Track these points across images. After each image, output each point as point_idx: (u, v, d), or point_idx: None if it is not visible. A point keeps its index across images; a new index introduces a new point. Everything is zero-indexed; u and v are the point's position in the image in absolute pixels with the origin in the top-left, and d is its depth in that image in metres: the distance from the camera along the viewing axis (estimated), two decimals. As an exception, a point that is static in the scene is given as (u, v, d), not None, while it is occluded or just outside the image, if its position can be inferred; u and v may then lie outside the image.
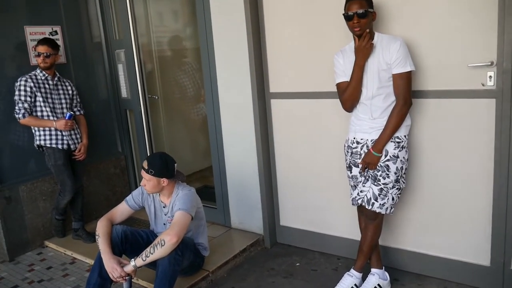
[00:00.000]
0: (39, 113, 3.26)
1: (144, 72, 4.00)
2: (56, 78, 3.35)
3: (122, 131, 4.20)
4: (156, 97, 4.16)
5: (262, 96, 3.15)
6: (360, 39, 2.29)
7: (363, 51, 2.29)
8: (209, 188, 3.98)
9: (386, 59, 2.28)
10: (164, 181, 2.58)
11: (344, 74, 2.45)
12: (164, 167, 2.56)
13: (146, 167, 2.55)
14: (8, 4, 3.36)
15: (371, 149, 2.37)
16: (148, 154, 4.06)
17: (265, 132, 3.20)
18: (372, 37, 2.33)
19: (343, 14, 2.31)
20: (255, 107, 3.13)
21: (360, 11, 2.24)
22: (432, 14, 2.41)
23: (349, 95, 2.42)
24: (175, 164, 2.64)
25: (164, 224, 2.72)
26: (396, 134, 2.35)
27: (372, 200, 2.42)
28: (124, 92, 4.08)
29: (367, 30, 2.28)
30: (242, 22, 3.03)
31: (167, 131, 4.48)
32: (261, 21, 3.06)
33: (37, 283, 3.03)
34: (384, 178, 2.38)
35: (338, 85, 2.51)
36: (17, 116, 3.20)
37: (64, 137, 3.32)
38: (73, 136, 3.39)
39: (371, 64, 2.33)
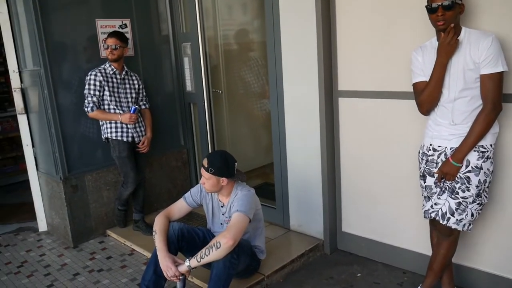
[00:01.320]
0: (106, 106, 3.32)
1: (209, 66, 3.96)
2: (124, 72, 3.38)
3: (185, 124, 4.20)
4: (220, 92, 4.11)
5: (330, 94, 2.97)
6: (444, 34, 2.04)
7: (447, 48, 2.04)
8: (270, 185, 3.88)
9: (474, 57, 2.02)
10: (224, 181, 2.49)
11: (423, 73, 2.22)
12: (224, 166, 2.48)
13: (206, 166, 2.48)
14: (81, -3, 3.45)
15: (450, 158, 2.13)
16: (210, 148, 4.04)
17: (331, 132, 3.02)
18: (458, 33, 2.07)
19: (426, 6, 2.08)
20: (322, 105, 2.96)
21: (446, 3, 1.99)
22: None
23: (427, 96, 2.18)
24: (236, 163, 2.55)
25: (221, 224, 2.64)
26: (481, 143, 2.08)
27: (448, 215, 2.18)
28: (188, 86, 4.07)
29: (452, 25, 2.02)
30: (312, 15, 2.86)
31: (230, 126, 4.42)
32: (332, 13, 2.87)
33: (97, 272, 3.10)
34: (463, 191, 2.13)
35: (415, 85, 2.28)
36: (86, 109, 3.28)
37: (129, 130, 3.35)
38: (138, 129, 3.42)
39: (456, 63, 2.08)
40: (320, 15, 2.82)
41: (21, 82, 3.62)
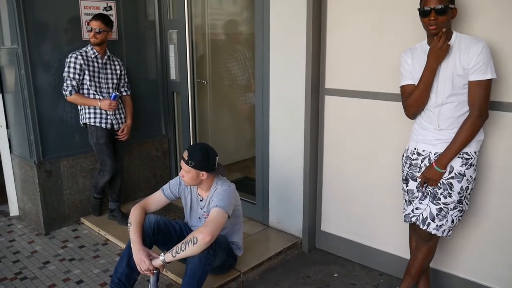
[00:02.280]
0: (85, 91, 3.20)
1: (195, 55, 3.87)
2: (106, 57, 3.27)
3: (167, 113, 4.11)
4: (205, 82, 4.03)
5: (316, 91, 2.93)
6: (436, 38, 2.01)
7: (438, 53, 2.01)
8: (250, 180, 3.83)
9: (464, 63, 2.00)
10: (204, 174, 2.43)
11: (411, 76, 2.19)
12: (204, 159, 2.41)
13: (186, 158, 2.41)
14: (65, -24, 3.31)
15: (433, 164, 2.11)
16: (192, 139, 3.97)
17: (316, 130, 2.99)
18: (449, 37, 2.04)
19: (418, 9, 2.04)
20: (307, 102, 2.91)
21: (439, 6, 1.96)
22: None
23: (414, 100, 2.15)
24: (217, 158, 2.49)
25: (199, 218, 2.58)
26: (465, 150, 2.07)
27: (429, 220, 2.17)
28: (173, 74, 3.97)
29: (444, 29, 1.99)
30: (302, 10, 2.80)
31: (213, 118, 4.35)
32: (323, 9, 2.82)
33: (68, 262, 3.00)
34: (445, 197, 2.12)
35: (402, 87, 2.25)
36: (64, 93, 3.16)
37: (109, 117, 3.25)
38: (118, 116, 3.32)
39: (445, 68, 2.05)
40: (311, 11, 2.76)
41: (-3, 60, 3.48)
